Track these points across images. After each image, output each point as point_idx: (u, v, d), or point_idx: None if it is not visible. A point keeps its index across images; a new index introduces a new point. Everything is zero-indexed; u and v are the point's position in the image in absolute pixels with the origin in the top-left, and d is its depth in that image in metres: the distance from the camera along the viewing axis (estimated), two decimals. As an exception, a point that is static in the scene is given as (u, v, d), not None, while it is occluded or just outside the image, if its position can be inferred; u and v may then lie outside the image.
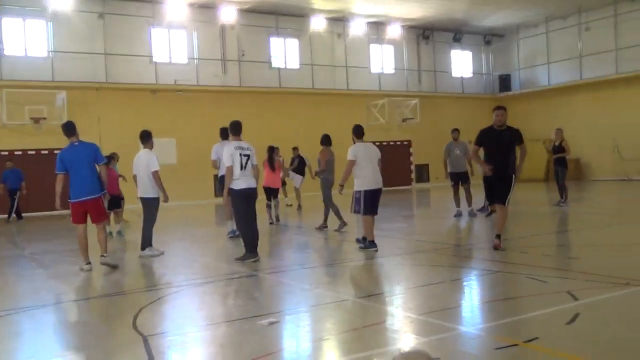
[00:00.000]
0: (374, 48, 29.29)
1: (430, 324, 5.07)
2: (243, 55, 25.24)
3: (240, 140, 8.98)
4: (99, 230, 8.69)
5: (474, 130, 14.31)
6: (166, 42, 24.16)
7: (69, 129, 8.67)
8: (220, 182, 11.36)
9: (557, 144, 15.48)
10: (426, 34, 30.44)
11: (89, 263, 8.55)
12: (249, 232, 8.76)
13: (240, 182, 8.70)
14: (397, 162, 28.61)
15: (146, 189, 9.72)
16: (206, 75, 24.47)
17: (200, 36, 24.56)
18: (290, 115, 25.62)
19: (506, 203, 8.61)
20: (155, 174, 9.60)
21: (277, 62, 26.45)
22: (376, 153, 9.48)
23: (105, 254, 8.65)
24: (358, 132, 9.61)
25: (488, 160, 8.69)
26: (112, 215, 13.03)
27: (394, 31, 29.01)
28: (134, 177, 9.98)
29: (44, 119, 20.70)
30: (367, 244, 9.23)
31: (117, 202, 13.05)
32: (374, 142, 29.38)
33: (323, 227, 12.22)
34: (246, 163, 8.75)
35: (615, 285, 6.05)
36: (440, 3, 25.90)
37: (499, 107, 8.76)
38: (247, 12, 24.96)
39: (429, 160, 29.31)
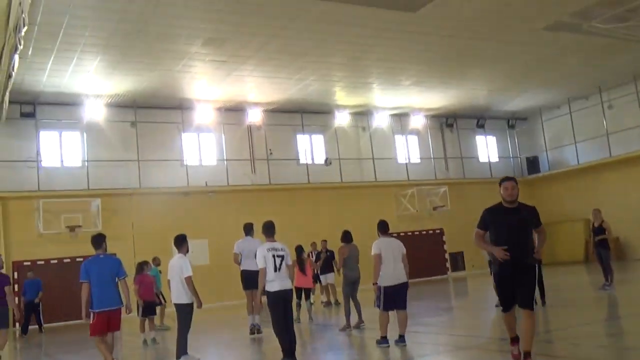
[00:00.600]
0: (398, 139, 29.63)
1: None
2: (271, 153, 25.68)
3: (274, 241, 8.92)
4: (116, 340, 8.97)
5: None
6: (196, 146, 24.81)
7: (97, 241, 9.03)
8: (248, 277, 11.68)
9: (596, 225, 15.09)
10: (449, 122, 30.78)
11: None
12: (286, 336, 8.52)
13: (275, 284, 8.57)
14: (430, 251, 28.17)
15: (179, 295, 9.62)
16: (236, 175, 24.86)
17: (228, 138, 25.16)
18: (319, 209, 25.66)
19: (533, 306, 6.62)
20: (188, 280, 9.51)
21: (304, 158, 26.82)
22: (400, 247, 9.57)
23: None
24: (382, 228, 9.79)
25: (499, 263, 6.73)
26: (146, 322, 12.88)
27: (418, 121, 29.41)
28: (168, 282, 9.92)
29: (79, 227, 21.05)
30: (381, 339, 9.26)
31: (151, 308, 12.94)
32: (405, 233, 29.41)
33: (346, 327, 11.74)
34: (280, 264, 8.66)
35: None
36: (461, 91, 26.34)
37: (507, 179, 6.90)
38: (273, 112, 25.63)
39: (463, 248, 28.81)
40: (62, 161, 22.27)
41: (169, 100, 23.14)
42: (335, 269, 17.31)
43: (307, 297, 14.20)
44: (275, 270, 8.60)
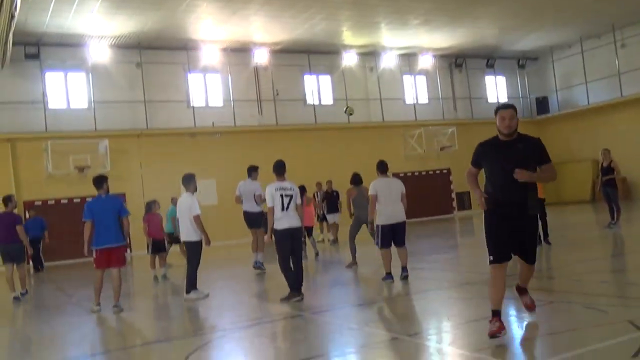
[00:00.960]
0: (406, 79, 29.31)
1: (486, 361, 4.86)
2: (277, 94, 25.53)
3: (284, 180, 8.95)
4: (116, 276, 9.18)
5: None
6: (202, 87, 24.67)
7: (99, 182, 9.56)
8: (249, 217, 12.31)
9: (605, 164, 15.05)
10: (458, 62, 30.32)
11: (99, 305, 9.19)
12: (291, 273, 8.69)
13: (283, 221, 8.68)
14: (437, 191, 28.32)
15: (189, 233, 9.78)
16: (242, 116, 24.81)
17: (234, 78, 24.97)
18: (326, 150, 25.66)
19: (534, 260, 5.84)
20: (197, 218, 9.65)
21: (311, 98, 26.67)
22: (398, 187, 9.74)
23: (117, 304, 9.08)
24: (380, 168, 9.94)
25: (491, 188, 5.65)
26: (157, 259, 13.16)
27: (426, 61, 29.00)
28: (177, 220, 10.08)
29: (88, 167, 21.19)
30: (386, 275, 9.52)
31: (161, 246, 13.19)
32: (412, 173, 29.44)
33: (353, 264, 12.00)
34: (288, 203, 8.73)
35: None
36: (470, 30, 25.84)
37: (504, 106, 5.61)
38: (279, 52, 25.32)
39: (469, 188, 28.86)
40: (68, 102, 22.26)
41: (174, 41, 22.88)
42: (339, 209, 17.48)
43: (309, 235, 14.44)
44: (283, 209, 8.69)
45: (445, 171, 29.17)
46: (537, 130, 31.33)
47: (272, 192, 8.73)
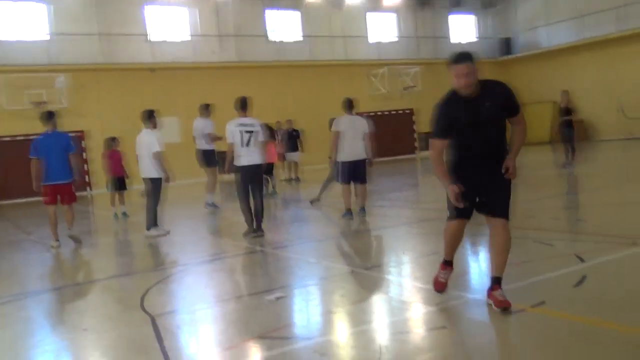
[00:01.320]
0: (371, 17, 28.96)
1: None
2: (239, 30, 24.99)
3: (246, 116, 8.83)
4: (68, 210, 9.29)
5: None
6: (162, 21, 23.98)
7: (46, 118, 9.44)
8: (201, 156, 12.47)
9: (563, 106, 15.34)
10: (424, 0, 30.04)
11: (58, 240, 9.20)
12: (249, 208, 8.72)
13: (242, 158, 8.64)
14: (400, 131, 28.51)
15: (149, 170, 9.67)
16: (203, 52, 24.30)
17: (194, 12, 24.32)
18: (290, 88, 25.49)
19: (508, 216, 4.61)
20: (156, 155, 9.52)
21: (274, 35, 26.20)
22: (363, 126, 9.73)
23: (71, 228, 9.32)
24: (347, 106, 9.85)
25: (460, 162, 4.65)
26: (117, 197, 13.04)
27: (391, -1, 28.69)
28: (137, 157, 9.93)
29: (45, 103, 20.60)
30: (346, 211, 9.64)
31: (121, 183, 13.04)
32: (375, 112, 29.51)
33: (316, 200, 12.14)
34: (248, 139, 8.65)
35: (622, 246, 6.02)
36: (437, -33, 25.52)
37: (458, 59, 4.31)
38: (242, -15, 24.68)
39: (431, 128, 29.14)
40: (22, 34, 21.41)
41: (131, -30, 22.08)
42: (300, 148, 17.54)
43: (269, 172, 14.47)
44: (243, 145, 8.62)
45: (408, 111, 29.31)
46: (500, 70, 31.59)
47: (232, 128, 8.64)
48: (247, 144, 8.65)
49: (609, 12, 26.65)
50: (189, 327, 4.79)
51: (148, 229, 9.68)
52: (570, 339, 3.70)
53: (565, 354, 3.55)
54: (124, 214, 12.89)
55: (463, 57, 4.34)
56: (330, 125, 9.99)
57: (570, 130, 15.15)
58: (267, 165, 14.15)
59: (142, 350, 4.25)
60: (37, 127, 20.40)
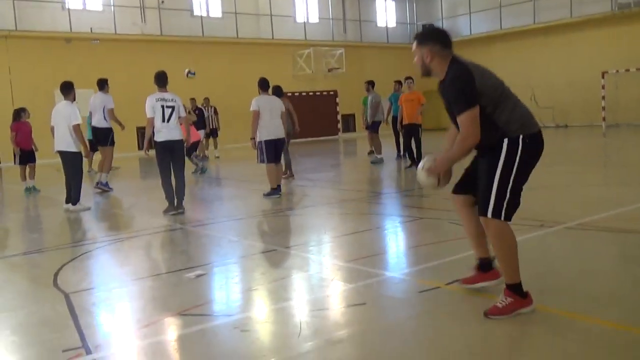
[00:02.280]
0: (299, -4, 28.87)
1: (357, 270, 5.17)
2: (163, 2, 24.28)
3: (165, 91, 8.69)
4: None
5: (395, 78, 14.45)
6: (80, -13, 22.93)
7: None
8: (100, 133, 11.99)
9: None
10: (351, -18, 30.23)
11: None
12: (170, 188, 8.62)
13: (162, 134, 8.50)
14: (323, 113, 28.69)
15: (68, 143, 9.31)
16: (124, 24, 23.44)
17: (116, -19, 23.40)
18: (214, 65, 25.03)
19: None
20: (77, 128, 9.22)
21: (199, 10, 25.63)
22: (279, 105, 9.92)
23: None
24: (263, 85, 9.93)
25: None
26: (27, 170, 12.44)
27: (319, -21, 28.64)
28: (52, 129, 9.53)
29: (-53, 68, 19.35)
30: (271, 190, 9.72)
31: (30, 156, 12.43)
32: (300, 93, 29.60)
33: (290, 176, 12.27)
34: (170, 115, 8.53)
35: (530, 227, 6.34)
36: (364, -50, 25.68)
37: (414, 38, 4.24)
38: (165, -44, 23.94)
39: (355, 110, 29.52)
40: None
41: None
42: (208, 126, 17.52)
43: (194, 150, 14.34)
44: (164, 121, 8.49)
45: (332, 93, 29.53)
46: (421, 57, 32.16)
47: (152, 102, 8.48)
48: (168, 120, 8.51)
49: (526, 4, 27.76)
50: (105, 305, 4.68)
51: (74, 203, 9.35)
52: (479, 314, 3.88)
53: (476, 329, 3.72)
54: (34, 187, 12.34)
55: (414, 36, 4.14)
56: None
57: None
58: (192, 144, 13.97)
59: (56, 328, 4.12)
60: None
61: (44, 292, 5.05)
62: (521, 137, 3.85)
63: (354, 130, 30.22)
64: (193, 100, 17.87)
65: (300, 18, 28.84)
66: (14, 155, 12.43)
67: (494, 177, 3.79)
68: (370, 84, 15.22)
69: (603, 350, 3.33)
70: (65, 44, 22.02)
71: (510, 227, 3.85)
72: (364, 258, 5.57)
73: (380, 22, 32.05)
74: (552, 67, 27.28)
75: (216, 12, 26.23)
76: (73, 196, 9.43)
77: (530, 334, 3.62)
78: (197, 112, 17.27)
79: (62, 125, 9.32)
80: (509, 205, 3.82)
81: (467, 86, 3.79)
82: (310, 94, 28.48)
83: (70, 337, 3.90)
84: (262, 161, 9.78)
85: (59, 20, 22.06)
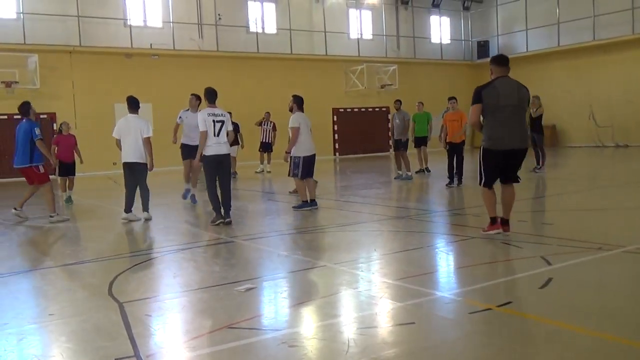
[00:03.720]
0: (352, 13, 29.02)
1: (406, 289, 5.11)
2: (220, 19, 24.81)
3: (215, 107, 9.04)
4: (43, 192, 10.06)
5: (449, 95, 14.39)
6: (141, 5, 23.66)
7: (21, 109, 10.19)
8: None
9: (533, 110, 15.56)
10: (405, -1, 30.22)
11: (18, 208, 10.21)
12: (216, 199, 8.94)
13: (212, 148, 8.84)
14: (375, 129, 28.66)
15: (140, 155, 9.69)
16: (182, 39, 24.06)
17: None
18: (268, 80, 25.37)
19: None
20: (148, 140, 9.68)
21: (254, 26, 26.08)
22: (310, 123, 10.33)
23: (52, 215, 9.93)
24: (300, 103, 10.24)
25: None
26: (67, 182, 12.88)
27: (373, -4, 28.76)
28: (117, 141, 9.79)
29: (16, 83, 20.24)
30: (302, 203, 10.20)
31: (69, 169, 12.87)
32: (352, 109, 29.64)
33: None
34: (220, 129, 8.87)
35: (588, 250, 6.15)
36: (419, -33, 25.66)
37: None
38: (223, -26, 24.50)
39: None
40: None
41: (111, -47, 21.76)
42: (240, 142, 17.49)
43: None
44: (215, 135, 8.82)
45: (384, 109, 29.44)
46: (476, 74, 31.84)
47: (204, 117, 8.81)
48: (218, 134, 8.84)
49: (585, 20, 27.10)
50: (157, 315, 4.77)
51: (145, 209, 9.79)
52: (534, 338, 3.78)
53: (528, 354, 3.62)
54: (69, 198, 12.79)
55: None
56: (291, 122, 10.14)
57: (540, 135, 15.40)
58: None
59: (110, 337, 4.21)
60: (6, 107, 20.13)
61: (99, 301, 5.18)
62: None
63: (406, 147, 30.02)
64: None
65: (353, 34, 28.97)
66: (55, 168, 12.86)
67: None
68: (399, 102, 15.96)
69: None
70: (125, 59, 22.73)
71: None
72: (413, 277, 5.51)
73: (435, 39, 31.86)
74: (612, 85, 26.47)
75: (271, 28, 26.63)
76: (144, 205, 9.77)
77: (586, 362, 3.50)
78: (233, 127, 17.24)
79: (133, 137, 9.63)
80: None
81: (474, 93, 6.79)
82: (363, 110, 28.49)
83: (123, 346, 3.99)
84: (295, 175, 10.09)
85: (121, 36, 22.83)
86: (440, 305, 4.71)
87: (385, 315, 4.54)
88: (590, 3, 26.91)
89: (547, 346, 3.69)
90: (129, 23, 23.03)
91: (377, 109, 29.25)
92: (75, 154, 12.94)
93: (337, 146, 27.94)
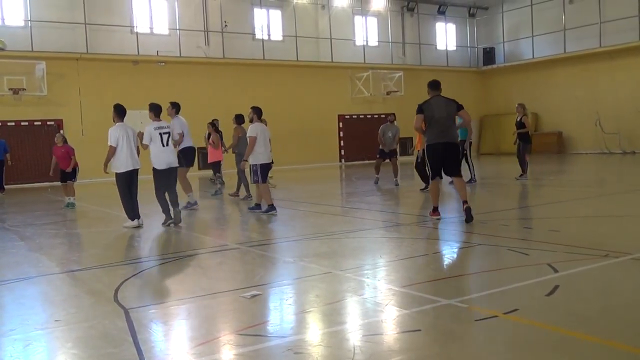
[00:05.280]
0: (358, 20, 29.08)
1: (412, 296, 5.10)
2: (226, 26, 24.93)
3: (160, 120, 9.84)
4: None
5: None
6: (147, 13, 23.79)
7: None
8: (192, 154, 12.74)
9: (518, 119, 15.67)
10: (410, 6, 30.25)
11: None
12: (164, 201, 9.79)
13: (162, 158, 9.70)
14: (380, 135, 28.61)
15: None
16: (189, 46, 24.18)
17: (181, 6, 24.19)
18: (274, 87, 25.46)
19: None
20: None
21: (260, 33, 26.17)
22: (269, 133, 11.00)
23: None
24: (259, 113, 10.99)
25: None
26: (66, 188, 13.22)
27: (378, 2, 28.81)
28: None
29: (23, 89, 20.37)
30: (268, 207, 10.70)
31: (65, 175, 13.41)
32: (358, 115, 29.73)
33: (247, 197, 13.12)
34: (167, 140, 9.70)
35: (594, 257, 6.13)
36: (425, -26, 25.71)
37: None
38: (229, -19, 24.63)
39: (412, 134, 29.31)
40: (2, 19, 21.11)
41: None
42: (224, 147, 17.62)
43: (217, 171, 15.18)
44: (164, 145, 9.67)
45: (390, 115, 29.38)
46: (481, 80, 31.84)
47: (151, 131, 9.56)
48: (167, 144, 9.76)
49: (591, 27, 27.07)
50: (162, 322, 4.77)
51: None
52: (540, 346, 3.76)
53: (529, 358, 3.61)
54: (69, 204, 13.23)
55: None
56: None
57: (525, 143, 15.37)
58: (215, 163, 14.67)
59: (115, 343, 4.22)
60: (14, 114, 20.23)
61: (105, 307, 5.18)
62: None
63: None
64: (211, 123, 17.27)
65: (359, 41, 29.03)
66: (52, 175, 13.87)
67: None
68: (394, 115, 17.63)
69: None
70: (132, 66, 22.85)
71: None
72: (419, 284, 5.50)
73: (440, 45, 31.89)
74: (619, 92, 26.41)
75: (277, 35, 26.72)
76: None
77: (593, 370, 3.48)
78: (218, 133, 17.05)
79: (133, 145, 9.70)
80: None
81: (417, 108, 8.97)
82: (368, 116, 28.51)
83: (128, 352, 3.99)
84: (256, 181, 10.70)
85: (127, 43, 22.95)
86: (446, 313, 4.69)
87: (391, 322, 4.53)
88: (597, 9, 26.90)
89: (554, 354, 3.67)
90: (135, 30, 23.16)
91: (382, 116, 29.18)
92: (71, 161, 13.28)
93: (342, 152, 27.94)
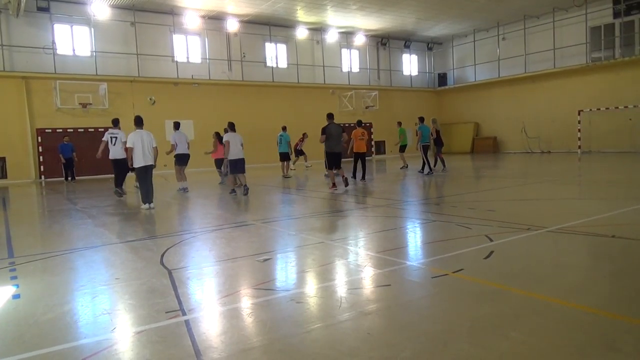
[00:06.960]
0: (344, 52, 28.97)
1: (385, 259, 5.12)
2: (244, 56, 24.79)
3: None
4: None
5: (418, 115, 14.39)
6: (184, 46, 23.63)
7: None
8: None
9: (434, 129, 16.21)
10: (383, 42, 30.14)
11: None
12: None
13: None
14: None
15: (151, 158, 10.25)
16: (216, 72, 24.05)
17: (210, 41, 24.03)
18: (280, 103, 25.40)
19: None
20: (156, 149, 10.67)
21: (270, 62, 26.06)
22: (240, 139, 11.73)
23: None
24: (232, 127, 11.81)
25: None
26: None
27: (359, 39, 28.69)
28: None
29: (90, 104, 20.24)
30: (231, 190, 11.81)
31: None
32: (344, 124, 29.67)
33: (221, 183, 14.31)
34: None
35: (520, 230, 6.16)
36: (394, 17, 25.64)
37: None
38: (247, 22, 24.46)
39: (385, 137, 29.43)
40: (74, 50, 20.92)
41: (162, 6, 21.74)
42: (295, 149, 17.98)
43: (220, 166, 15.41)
44: (114, 145, 10.86)
45: (368, 124, 29.44)
46: (437, 98, 31.80)
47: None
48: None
49: (519, 57, 27.14)
50: (197, 280, 4.77)
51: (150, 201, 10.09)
52: (479, 296, 3.79)
53: (476, 308, 3.64)
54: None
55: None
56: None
57: (439, 147, 16.28)
58: (219, 160, 14.75)
59: (161, 295, 4.23)
60: (83, 123, 20.07)
61: (153, 269, 5.18)
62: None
63: (384, 152, 30.04)
64: (216, 133, 15.72)
65: (345, 68, 28.93)
66: None
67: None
68: (360, 122, 16.51)
69: (577, 328, 3.20)
70: (173, 87, 22.71)
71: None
72: (390, 250, 5.51)
73: (406, 71, 31.83)
74: (539, 106, 26.51)
75: (283, 63, 26.59)
76: (149, 197, 10.11)
77: (518, 314, 3.51)
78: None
79: (147, 146, 9.93)
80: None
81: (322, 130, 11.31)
82: (352, 125, 28.38)
83: (171, 302, 4.00)
84: (226, 174, 11.95)
85: (169, 69, 22.80)
86: (410, 272, 4.72)
87: (368, 279, 4.55)
88: (522, 45, 26.97)
89: (490, 302, 3.70)
90: (175, 59, 22.99)
91: (363, 124, 29.18)
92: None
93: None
